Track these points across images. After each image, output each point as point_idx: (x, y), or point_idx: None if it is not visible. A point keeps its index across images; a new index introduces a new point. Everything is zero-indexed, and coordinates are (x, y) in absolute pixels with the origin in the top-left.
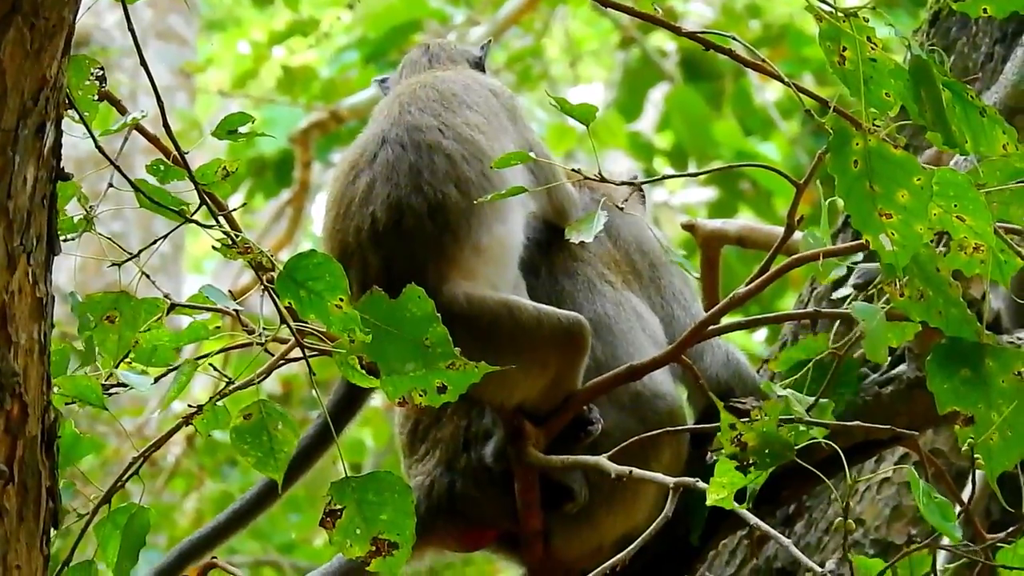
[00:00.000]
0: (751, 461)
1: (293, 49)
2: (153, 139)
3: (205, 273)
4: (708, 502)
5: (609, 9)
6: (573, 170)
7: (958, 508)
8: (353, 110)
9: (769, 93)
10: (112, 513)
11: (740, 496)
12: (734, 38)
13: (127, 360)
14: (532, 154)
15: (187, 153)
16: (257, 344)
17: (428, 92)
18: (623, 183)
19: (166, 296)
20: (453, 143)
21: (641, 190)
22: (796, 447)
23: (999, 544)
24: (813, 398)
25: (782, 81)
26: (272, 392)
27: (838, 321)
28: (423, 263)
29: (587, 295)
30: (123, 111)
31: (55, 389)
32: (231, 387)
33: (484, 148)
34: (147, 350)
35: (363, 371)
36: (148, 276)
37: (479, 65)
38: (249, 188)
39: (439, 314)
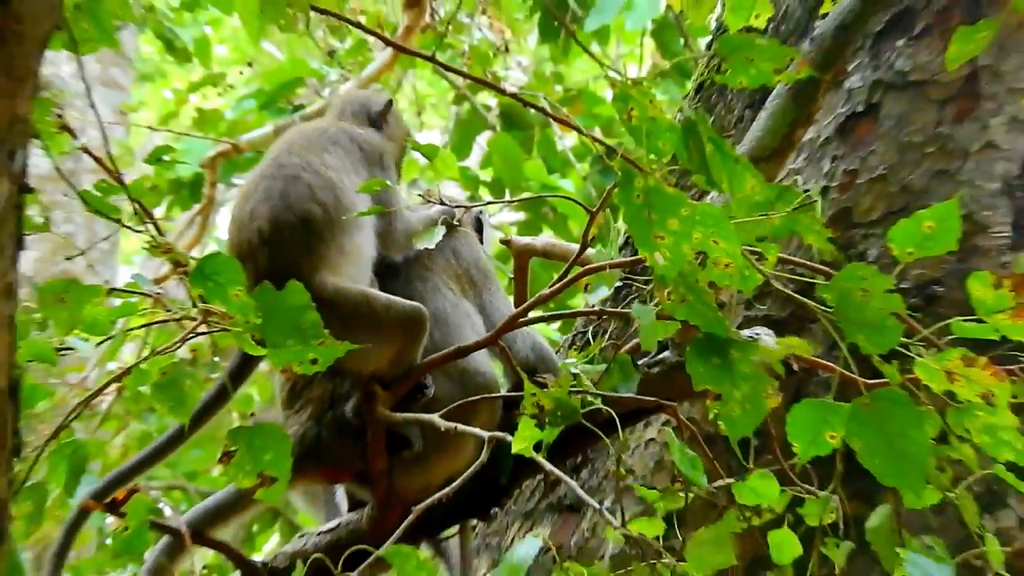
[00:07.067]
0: (547, 420)
1: (205, 96)
2: (98, 160)
3: (134, 265)
4: (513, 451)
5: (448, 72)
6: (421, 195)
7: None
8: (249, 143)
9: (568, 140)
10: (60, 446)
11: (538, 447)
12: (543, 97)
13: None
14: (387, 183)
15: (122, 173)
16: (173, 320)
17: (303, 141)
18: (457, 206)
19: (105, 283)
20: (311, 175)
21: (481, 215)
22: (582, 411)
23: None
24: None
25: (579, 131)
26: (183, 357)
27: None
28: (299, 261)
29: (432, 295)
30: (75, 137)
31: (19, 351)
32: (152, 353)
33: (335, 182)
34: (89, 322)
35: (254, 344)
36: (92, 267)
37: (376, 118)
38: (169, 202)
39: (313, 302)
